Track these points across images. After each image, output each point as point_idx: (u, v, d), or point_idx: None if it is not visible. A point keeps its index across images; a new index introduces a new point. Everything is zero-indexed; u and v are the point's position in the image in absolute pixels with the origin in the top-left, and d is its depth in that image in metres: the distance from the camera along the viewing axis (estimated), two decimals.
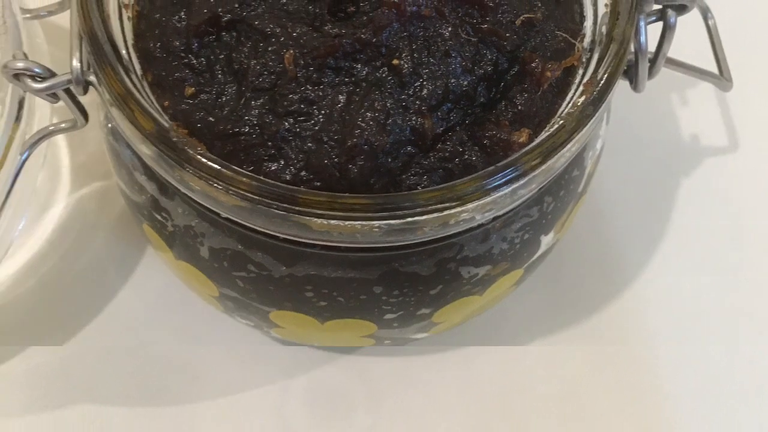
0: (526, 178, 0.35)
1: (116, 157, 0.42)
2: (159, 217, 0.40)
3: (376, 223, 0.34)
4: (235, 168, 0.35)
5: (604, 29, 0.39)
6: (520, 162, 0.35)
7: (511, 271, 0.41)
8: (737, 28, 0.54)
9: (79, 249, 0.51)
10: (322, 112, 0.38)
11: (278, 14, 0.39)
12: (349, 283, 0.39)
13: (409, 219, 0.34)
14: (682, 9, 0.40)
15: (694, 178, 0.54)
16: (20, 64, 0.37)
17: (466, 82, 0.38)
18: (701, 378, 0.49)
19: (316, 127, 0.37)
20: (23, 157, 0.41)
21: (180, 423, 0.47)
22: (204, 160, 0.35)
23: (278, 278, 0.39)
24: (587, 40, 0.40)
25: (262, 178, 0.35)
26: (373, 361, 0.49)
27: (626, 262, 0.52)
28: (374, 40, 0.38)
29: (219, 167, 0.34)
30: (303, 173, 0.37)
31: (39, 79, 0.38)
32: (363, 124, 0.37)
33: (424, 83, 0.38)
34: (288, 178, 0.37)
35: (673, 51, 0.41)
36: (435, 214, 0.34)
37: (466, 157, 0.38)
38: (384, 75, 0.38)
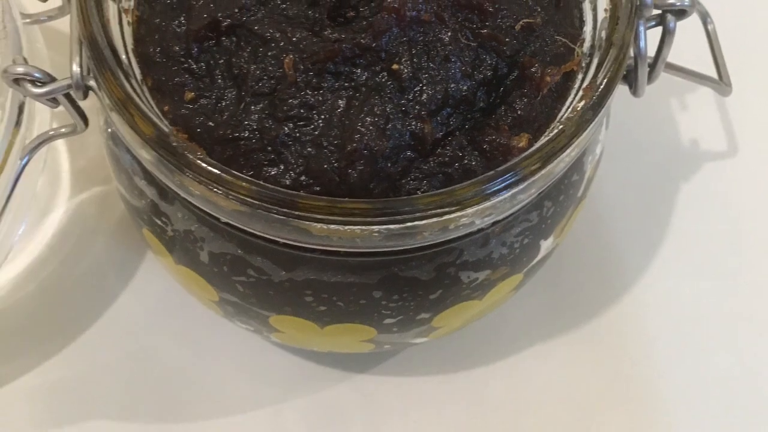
0: (526, 183, 0.35)
1: (116, 161, 0.42)
2: (159, 222, 0.40)
3: (375, 227, 0.34)
4: (235, 173, 0.35)
5: (603, 34, 0.39)
6: (520, 167, 0.35)
7: (511, 276, 0.41)
8: (736, 33, 0.54)
9: (79, 254, 0.51)
10: (322, 116, 0.38)
11: (278, 19, 0.39)
12: (349, 288, 0.39)
13: (409, 224, 0.34)
14: (681, 14, 0.40)
15: (694, 182, 0.54)
16: (20, 69, 0.37)
17: (465, 87, 0.38)
18: (701, 382, 0.49)
19: (316, 132, 0.37)
20: (23, 162, 0.41)
21: (179, 428, 0.47)
22: (204, 164, 0.35)
23: (278, 283, 0.39)
24: (587, 44, 0.40)
25: (261, 182, 0.35)
26: (372, 380, 0.49)
27: (626, 266, 0.52)
28: (374, 44, 0.38)
29: (219, 172, 0.35)
30: (303, 178, 0.37)
31: (39, 84, 0.38)
32: (363, 129, 0.37)
33: (424, 88, 0.38)
34: (288, 182, 0.37)
35: (673, 56, 0.41)
36: (434, 219, 0.34)
37: (466, 161, 0.38)
38: (384, 80, 0.38)
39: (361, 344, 0.43)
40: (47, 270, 0.50)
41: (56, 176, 0.53)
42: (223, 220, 0.36)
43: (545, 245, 0.42)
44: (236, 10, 0.39)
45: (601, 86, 0.37)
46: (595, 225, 0.52)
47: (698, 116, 0.56)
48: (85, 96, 0.38)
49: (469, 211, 0.35)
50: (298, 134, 0.37)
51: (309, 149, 0.37)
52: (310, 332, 0.42)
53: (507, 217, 0.38)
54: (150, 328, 0.49)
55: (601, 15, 0.40)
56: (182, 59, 0.39)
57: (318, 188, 0.37)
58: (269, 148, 0.37)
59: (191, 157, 0.35)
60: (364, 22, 0.39)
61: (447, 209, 0.34)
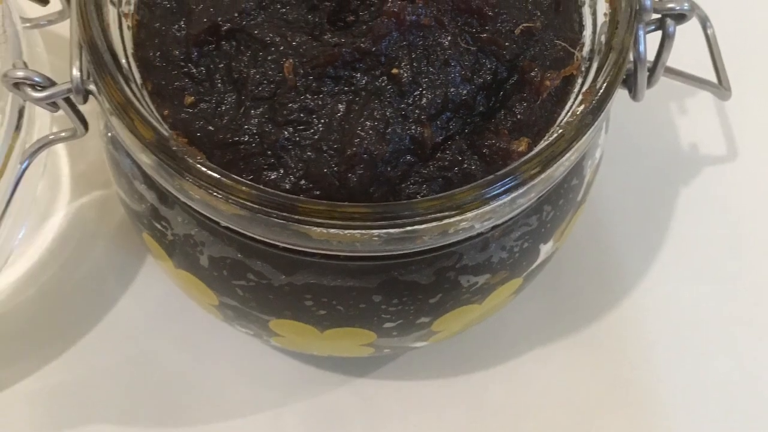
0: (525, 187, 0.35)
1: (116, 166, 0.42)
2: (159, 226, 0.41)
3: (375, 231, 0.34)
4: (235, 177, 0.35)
5: (603, 38, 0.39)
6: (519, 171, 0.35)
7: (511, 280, 0.41)
8: (736, 38, 0.54)
9: (79, 258, 0.51)
10: (322, 121, 0.38)
11: (278, 23, 0.39)
12: (349, 292, 0.39)
13: (409, 228, 0.34)
14: (681, 18, 0.40)
15: (693, 186, 0.54)
16: (20, 74, 0.38)
17: (465, 91, 0.38)
18: (700, 386, 0.49)
19: (316, 136, 0.37)
20: (23, 166, 0.41)
21: None
22: (204, 169, 0.35)
23: (278, 287, 0.39)
24: (586, 49, 0.40)
25: (261, 187, 0.35)
26: (372, 384, 0.49)
27: (625, 270, 0.52)
28: (374, 49, 0.38)
29: (219, 176, 0.35)
30: (302, 182, 0.37)
31: (39, 88, 0.38)
32: (362, 133, 0.37)
33: (424, 92, 0.38)
34: (287, 187, 0.37)
35: (672, 60, 0.41)
36: (434, 223, 0.34)
37: (466, 166, 0.38)
38: (383, 84, 0.38)
39: (361, 348, 0.43)
40: (47, 274, 0.50)
41: (56, 180, 0.53)
42: (223, 224, 0.36)
43: (545, 249, 0.42)
44: (236, 15, 0.39)
45: (601, 90, 0.37)
46: (595, 229, 0.52)
47: (698, 120, 0.56)
48: (85, 100, 0.38)
49: (469, 215, 0.35)
50: (297, 138, 0.37)
51: (309, 153, 0.37)
52: (310, 336, 0.42)
53: (506, 221, 0.38)
54: (150, 332, 0.49)
55: (601, 19, 0.40)
56: (182, 63, 0.39)
57: (318, 192, 0.37)
58: (269, 152, 0.37)
59: (191, 161, 0.35)
60: (364, 27, 0.39)
61: (447, 213, 0.34)
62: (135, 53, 0.40)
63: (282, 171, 0.37)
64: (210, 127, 0.38)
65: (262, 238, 0.36)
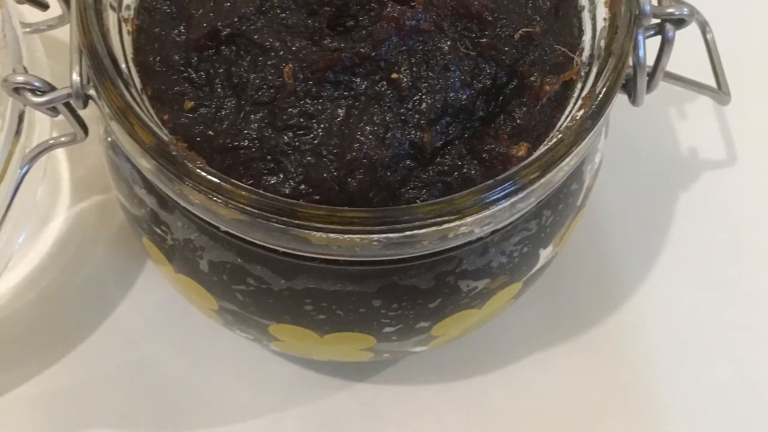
0: (525, 192, 0.35)
1: (116, 170, 0.42)
2: (158, 231, 0.41)
3: (375, 236, 0.34)
4: (235, 182, 0.35)
5: (602, 43, 0.39)
6: (519, 176, 0.35)
7: (510, 285, 0.41)
8: (735, 43, 0.54)
9: (79, 262, 0.51)
10: (321, 125, 0.38)
11: (277, 28, 0.39)
12: (348, 297, 0.39)
13: (408, 232, 0.34)
14: (680, 23, 0.40)
15: (693, 191, 0.54)
16: (20, 78, 0.38)
17: (464, 96, 0.38)
18: (700, 391, 0.49)
19: (315, 141, 0.37)
20: (23, 171, 0.41)
21: None
22: (203, 173, 0.35)
23: (277, 292, 0.39)
24: (586, 54, 0.40)
25: (261, 191, 0.35)
26: (372, 388, 0.49)
27: (625, 275, 0.52)
28: (373, 54, 0.38)
29: (218, 181, 0.35)
30: (302, 187, 0.37)
31: (39, 93, 0.38)
32: (362, 138, 0.37)
33: (423, 97, 0.38)
34: (287, 191, 0.37)
35: (672, 65, 0.41)
36: (434, 228, 0.34)
37: (465, 170, 0.38)
38: (383, 89, 0.38)
39: (361, 353, 0.43)
40: (47, 279, 0.50)
41: (56, 185, 0.53)
42: (223, 229, 0.36)
43: (544, 254, 0.42)
44: (236, 20, 0.39)
45: (600, 95, 0.37)
46: (594, 234, 0.52)
47: (697, 125, 0.56)
48: (85, 105, 0.38)
49: (469, 220, 0.35)
50: (297, 143, 0.37)
51: (308, 158, 0.37)
52: (310, 341, 0.42)
53: (506, 226, 0.38)
54: (150, 336, 0.49)
55: (600, 24, 0.40)
56: (182, 68, 0.39)
57: (317, 197, 0.37)
58: (269, 157, 0.37)
59: (191, 166, 0.35)
60: (364, 32, 0.39)
61: (446, 218, 0.34)
62: (135, 58, 0.40)
63: (282, 176, 0.37)
64: (210, 132, 0.38)
65: (261, 243, 0.36)
